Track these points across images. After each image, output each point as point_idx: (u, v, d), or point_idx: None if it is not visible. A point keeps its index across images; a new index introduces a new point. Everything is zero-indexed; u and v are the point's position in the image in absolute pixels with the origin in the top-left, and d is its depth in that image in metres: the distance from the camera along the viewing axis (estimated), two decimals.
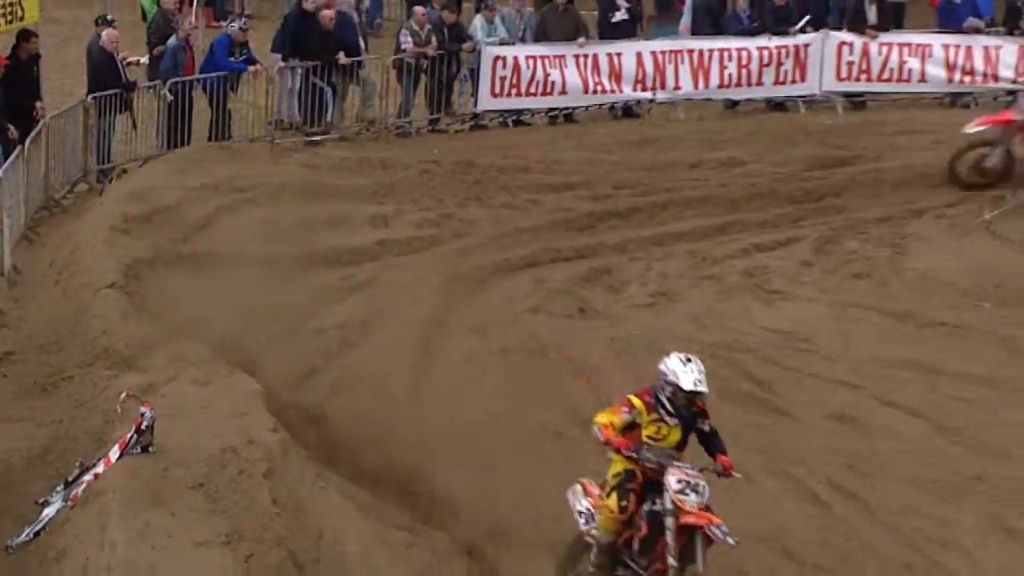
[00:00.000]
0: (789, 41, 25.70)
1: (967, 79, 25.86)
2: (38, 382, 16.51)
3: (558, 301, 19.41)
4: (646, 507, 13.02)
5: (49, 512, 13.54)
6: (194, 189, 21.10)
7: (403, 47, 24.57)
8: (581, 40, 25.29)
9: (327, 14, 23.65)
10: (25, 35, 20.75)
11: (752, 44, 25.65)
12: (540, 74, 25.09)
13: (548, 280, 20.03)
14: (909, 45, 25.92)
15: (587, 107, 25.37)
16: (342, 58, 23.70)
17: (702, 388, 12.93)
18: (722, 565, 13.55)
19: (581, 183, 21.94)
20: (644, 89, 25.40)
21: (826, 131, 24.77)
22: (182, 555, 12.28)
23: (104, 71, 21.72)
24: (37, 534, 13.37)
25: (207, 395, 15.30)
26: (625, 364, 17.59)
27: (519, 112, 25.27)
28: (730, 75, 25.72)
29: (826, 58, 25.77)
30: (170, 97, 22.30)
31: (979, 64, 25.86)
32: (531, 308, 19.18)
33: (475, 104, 25.04)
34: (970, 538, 14.16)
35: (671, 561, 12.75)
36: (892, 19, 26.33)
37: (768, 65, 25.75)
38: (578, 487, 13.58)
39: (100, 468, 13.60)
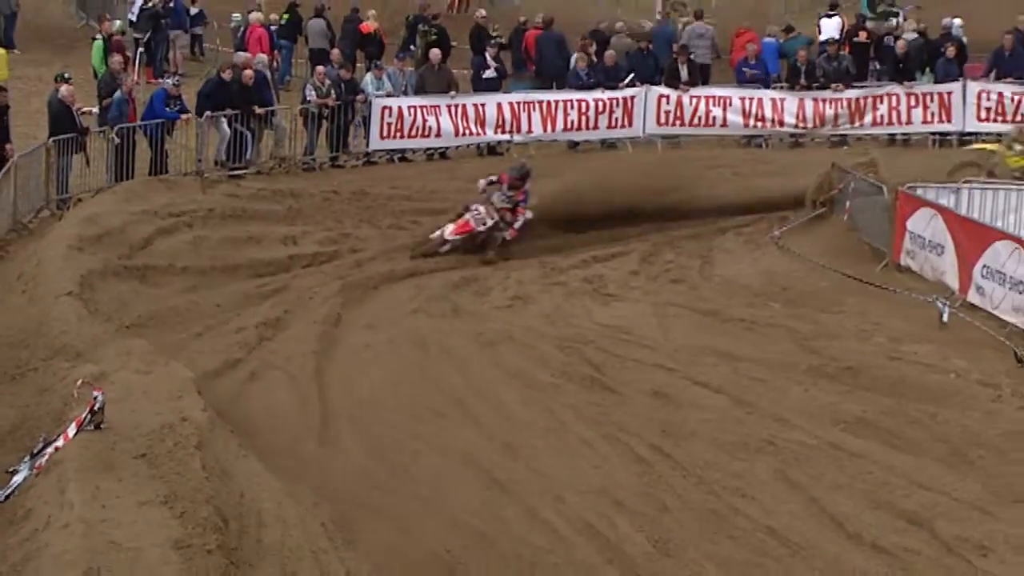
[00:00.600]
0: (618, 94, 25.93)
1: (759, 124, 26.21)
2: (8, 372, 16.26)
3: (435, 303, 19.38)
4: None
5: (17, 479, 13.35)
6: (137, 214, 20.93)
7: (308, 99, 24.53)
8: (452, 93, 25.38)
9: (247, 74, 23.61)
10: None
11: (590, 96, 25.84)
12: (420, 120, 25.13)
13: (427, 287, 20.01)
14: (713, 97, 26.24)
15: (458, 147, 25.43)
16: (257, 108, 23.63)
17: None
18: (566, 515, 13.69)
19: (453, 208, 21.97)
20: (504, 132, 25.53)
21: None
22: (128, 512, 12.14)
23: (62, 119, 21.51)
24: (7, 497, 13.18)
25: (148, 382, 15.12)
26: (488, 352, 17.72)
27: (403, 151, 25.29)
28: (572, 121, 25.90)
29: (648, 107, 26.02)
30: (117, 140, 22.13)
31: (768, 112, 26.23)
32: (413, 309, 19.13)
33: (367, 145, 25.04)
34: (761, 489, 14.20)
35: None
36: (700, 77, 26.62)
37: (602, 113, 25.96)
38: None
39: (60, 442, 13.43)
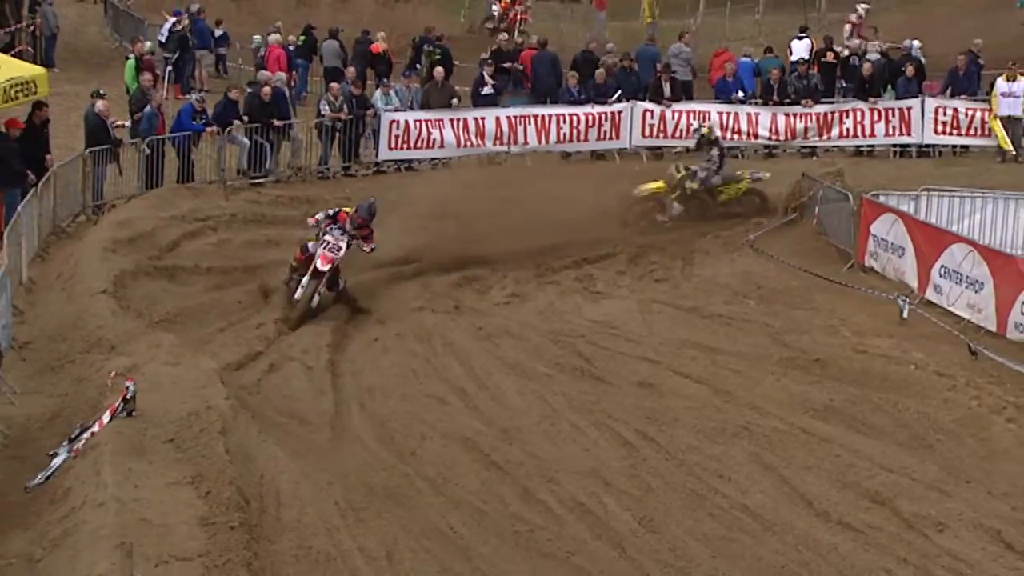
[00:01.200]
0: (607, 109, 25.87)
1: (735, 137, 26.18)
2: (48, 364, 16.27)
3: (439, 300, 19.34)
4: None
5: (57, 462, 13.36)
6: (165, 219, 20.92)
7: (322, 113, 24.49)
8: (454, 102, 25.36)
9: (266, 91, 23.59)
10: (38, 105, 20.44)
11: (580, 111, 25.80)
12: (425, 133, 25.06)
13: (432, 285, 19.95)
14: (694, 111, 26.17)
15: (459, 157, 25.39)
16: (276, 122, 23.62)
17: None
18: (559, 494, 13.68)
19: (455, 212, 21.95)
20: (502, 144, 25.43)
21: (635, 175, 24.83)
22: (158, 492, 12.16)
23: (98, 132, 21.47)
24: (48, 478, 13.19)
25: (176, 373, 15.15)
26: (487, 345, 17.70)
27: (409, 161, 25.23)
28: (564, 133, 25.82)
29: (634, 121, 25.94)
30: (147, 151, 22.07)
31: (744, 126, 26.21)
32: (419, 306, 19.09)
33: (376, 155, 24.95)
34: (737, 471, 14.22)
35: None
36: (682, 93, 26.59)
37: (592, 126, 25.90)
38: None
39: (95, 428, 13.45)
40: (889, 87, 26.64)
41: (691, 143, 23.89)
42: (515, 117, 25.54)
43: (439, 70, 25.90)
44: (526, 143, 25.55)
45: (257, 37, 28.69)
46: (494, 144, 25.37)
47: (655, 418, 15.42)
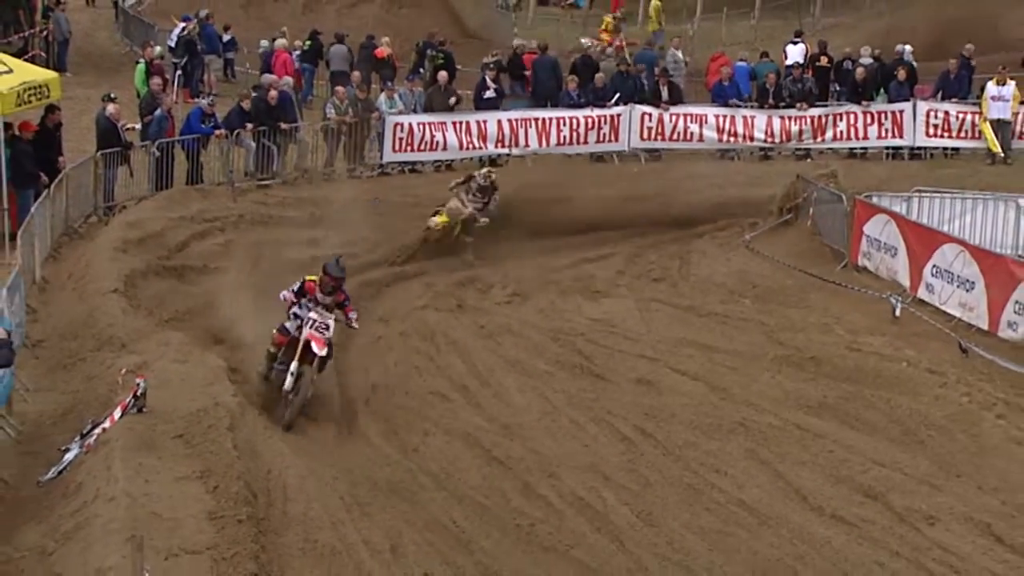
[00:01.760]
0: (606, 112, 25.83)
1: (732, 139, 26.18)
2: (61, 362, 16.27)
3: (442, 299, 19.36)
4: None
5: (69, 457, 13.38)
6: (175, 220, 20.89)
7: (328, 116, 24.47)
8: (452, 100, 25.32)
9: (272, 94, 23.58)
10: (51, 108, 20.44)
11: (580, 114, 25.77)
12: (428, 135, 25.02)
13: (435, 284, 20.00)
14: (691, 114, 26.14)
15: (462, 159, 25.37)
16: (283, 125, 23.61)
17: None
18: (559, 489, 13.68)
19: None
20: (503, 146, 25.39)
21: (633, 176, 24.90)
22: (167, 487, 12.18)
23: (109, 135, 21.45)
24: (60, 472, 13.21)
25: (185, 370, 15.15)
26: (489, 343, 17.70)
27: (413, 163, 25.20)
28: (564, 136, 25.78)
29: (632, 124, 25.90)
30: (157, 153, 22.05)
31: (740, 128, 26.18)
32: (422, 305, 19.11)
33: (381, 157, 24.92)
34: (733, 466, 14.26)
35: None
36: (679, 97, 26.56)
37: (592, 129, 25.87)
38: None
39: (106, 424, 13.47)
40: (882, 91, 26.63)
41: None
42: (516, 120, 25.52)
43: (442, 74, 25.87)
44: (527, 145, 25.54)
45: (265, 42, 28.67)
46: (496, 147, 25.35)
47: (653, 414, 15.44)
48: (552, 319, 18.67)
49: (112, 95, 22.40)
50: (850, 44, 28.55)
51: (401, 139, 24.86)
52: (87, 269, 18.68)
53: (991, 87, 25.63)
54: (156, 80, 23.71)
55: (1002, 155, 25.54)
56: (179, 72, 27.28)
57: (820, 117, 26.14)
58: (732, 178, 24.65)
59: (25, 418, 14.58)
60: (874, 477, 13.97)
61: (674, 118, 26.01)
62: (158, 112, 22.45)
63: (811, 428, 15.10)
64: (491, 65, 26.53)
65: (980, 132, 25.76)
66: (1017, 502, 13.55)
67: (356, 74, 26.04)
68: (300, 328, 15.20)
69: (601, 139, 25.88)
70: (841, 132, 26.19)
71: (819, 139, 26.20)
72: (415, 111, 25.28)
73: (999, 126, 25.61)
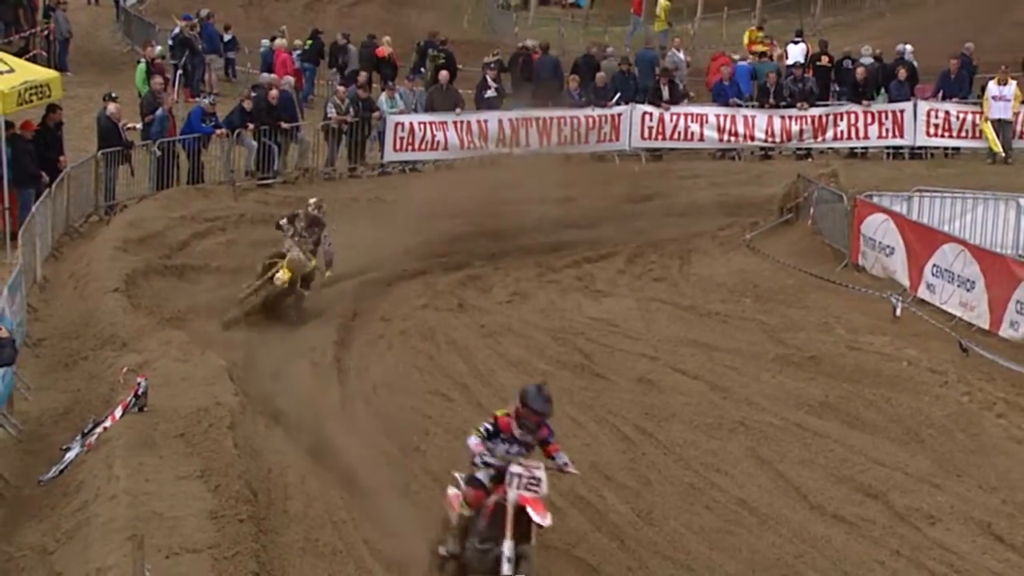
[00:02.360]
0: (607, 111, 25.87)
1: (732, 139, 26.19)
2: (62, 361, 16.28)
3: (442, 299, 19.35)
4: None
5: (70, 456, 13.38)
6: (176, 219, 20.93)
7: (329, 115, 24.50)
8: (458, 110, 25.35)
9: (273, 93, 23.60)
10: (52, 108, 20.48)
11: (581, 113, 25.79)
12: (429, 135, 25.06)
13: (435, 284, 19.96)
14: (692, 114, 26.19)
15: (463, 159, 25.37)
16: (284, 124, 23.61)
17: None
18: (561, 488, 13.68)
19: (459, 213, 21.94)
20: (504, 146, 25.41)
21: (634, 176, 24.90)
22: (168, 485, 12.17)
23: (109, 134, 21.51)
24: (62, 471, 13.21)
25: (186, 369, 15.14)
26: (489, 343, 17.69)
27: (414, 163, 25.22)
28: (566, 135, 25.80)
29: (633, 123, 25.95)
30: (158, 153, 22.11)
31: (740, 128, 26.20)
32: (423, 304, 19.09)
33: (382, 157, 24.97)
34: (734, 465, 14.25)
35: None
36: (680, 96, 26.57)
37: (593, 128, 25.89)
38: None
39: (107, 423, 13.47)
40: (882, 90, 26.64)
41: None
42: (517, 119, 25.51)
43: (443, 73, 25.89)
44: (528, 145, 25.52)
45: (266, 42, 28.69)
46: (497, 146, 25.34)
47: (653, 413, 15.43)
48: (553, 318, 18.66)
49: (113, 94, 22.44)
50: (850, 44, 28.59)
51: (402, 139, 24.89)
52: (88, 268, 18.69)
53: (992, 87, 25.65)
54: (157, 79, 23.72)
55: (1003, 155, 25.57)
56: (180, 72, 27.28)
57: (821, 117, 26.17)
58: (733, 177, 24.68)
59: (26, 417, 14.58)
60: (874, 476, 13.97)
61: (675, 118, 26.02)
62: (159, 111, 22.50)
63: (811, 427, 15.09)
64: (492, 65, 26.55)
65: (981, 132, 25.77)
66: (1017, 501, 13.55)
67: (363, 74, 26.05)
68: (494, 480, 11.29)
69: (602, 138, 25.90)
70: (842, 132, 26.21)
71: (820, 139, 26.23)
72: (416, 110, 25.29)
73: (1000, 126, 25.63)
